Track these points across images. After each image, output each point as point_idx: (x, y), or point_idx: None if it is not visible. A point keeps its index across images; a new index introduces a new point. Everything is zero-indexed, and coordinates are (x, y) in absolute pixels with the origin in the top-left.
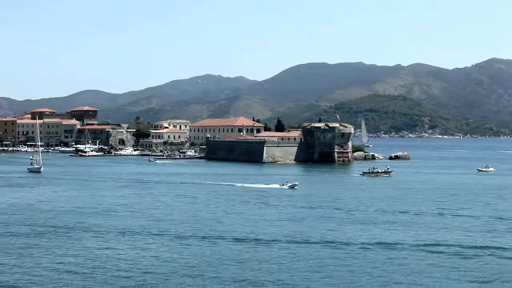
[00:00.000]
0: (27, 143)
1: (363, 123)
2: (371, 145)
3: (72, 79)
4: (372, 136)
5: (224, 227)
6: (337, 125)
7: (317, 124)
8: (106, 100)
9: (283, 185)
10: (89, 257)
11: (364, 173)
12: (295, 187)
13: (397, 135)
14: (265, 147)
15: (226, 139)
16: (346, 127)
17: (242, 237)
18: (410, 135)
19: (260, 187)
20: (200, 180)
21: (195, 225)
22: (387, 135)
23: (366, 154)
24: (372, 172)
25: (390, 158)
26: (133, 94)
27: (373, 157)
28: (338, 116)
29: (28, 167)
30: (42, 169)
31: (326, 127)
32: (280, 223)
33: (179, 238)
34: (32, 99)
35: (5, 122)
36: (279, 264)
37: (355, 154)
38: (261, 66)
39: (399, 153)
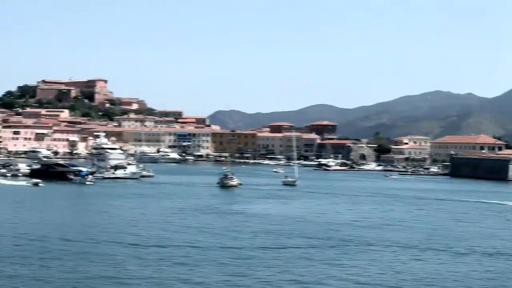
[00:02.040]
0: (267, 156)
1: None
2: None
3: (302, 93)
4: None
5: None
6: None
7: None
8: (335, 114)
9: None
10: (389, 271)
11: None
12: None
13: None
14: (509, 166)
15: (469, 156)
16: None
17: None
18: None
19: None
20: (462, 197)
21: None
22: None
23: None
24: None
25: None
26: (363, 109)
27: None
28: None
29: (282, 180)
30: (297, 182)
31: None
32: None
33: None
34: (263, 112)
35: (245, 135)
36: None
37: None
38: (491, 82)
39: None
